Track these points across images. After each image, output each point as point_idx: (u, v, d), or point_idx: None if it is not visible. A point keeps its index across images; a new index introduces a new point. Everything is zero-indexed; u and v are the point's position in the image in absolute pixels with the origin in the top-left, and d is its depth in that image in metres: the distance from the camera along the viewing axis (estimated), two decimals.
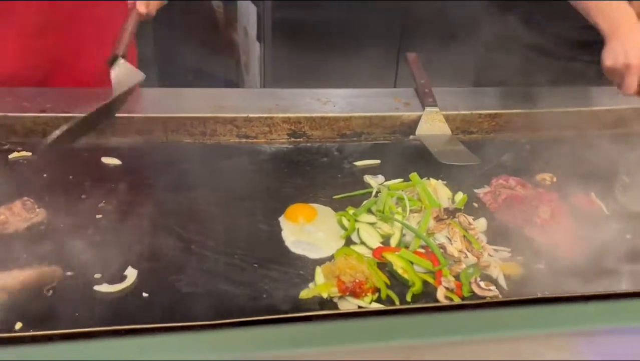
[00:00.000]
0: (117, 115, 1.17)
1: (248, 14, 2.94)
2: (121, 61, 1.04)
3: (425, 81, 1.36)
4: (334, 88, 1.40)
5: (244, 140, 1.22)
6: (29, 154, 1.07)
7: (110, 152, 1.10)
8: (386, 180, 1.06)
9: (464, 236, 0.86)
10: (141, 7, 1.09)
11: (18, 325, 0.69)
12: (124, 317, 0.73)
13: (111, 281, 0.78)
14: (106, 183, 1.00)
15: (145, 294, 0.76)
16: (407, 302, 0.77)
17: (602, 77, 1.48)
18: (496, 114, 1.30)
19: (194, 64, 3.37)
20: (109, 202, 0.95)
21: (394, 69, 2.77)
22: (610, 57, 1.10)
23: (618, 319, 0.51)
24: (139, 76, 1.07)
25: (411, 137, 1.26)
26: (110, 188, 0.99)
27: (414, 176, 1.00)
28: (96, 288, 0.76)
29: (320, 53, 2.84)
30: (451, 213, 0.90)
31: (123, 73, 1.04)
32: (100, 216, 0.91)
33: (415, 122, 1.26)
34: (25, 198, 0.90)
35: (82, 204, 0.94)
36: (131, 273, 0.79)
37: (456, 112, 1.29)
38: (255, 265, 0.83)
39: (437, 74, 1.69)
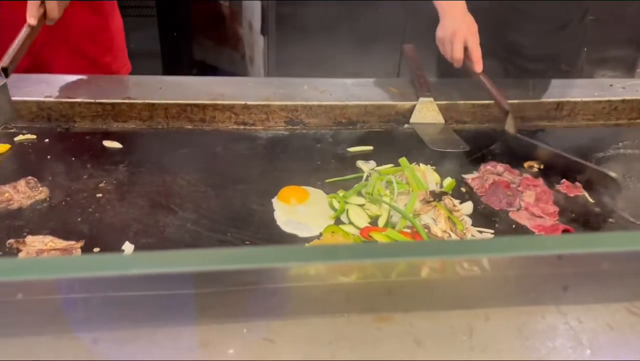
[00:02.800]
0: (119, 100, 1.22)
1: (253, 8, 2.97)
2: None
3: (421, 72, 1.39)
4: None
5: (242, 127, 1.26)
6: (34, 137, 1.11)
7: (111, 136, 1.14)
8: (378, 166, 1.10)
9: (449, 217, 0.89)
10: (30, 20, 1.13)
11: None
12: None
13: None
14: (107, 164, 1.04)
15: None
16: None
17: (593, 69, 1.51)
18: (489, 105, 1.32)
19: (198, 57, 3.41)
20: (109, 182, 0.99)
21: (397, 61, 2.80)
22: (441, 30, 1.30)
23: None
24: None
25: (405, 125, 1.29)
26: (111, 169, 1.03)
27: (403, 160, 1.03)
28: None
29: (324, 46, 2.87)
30: (437, 195, 0.93)
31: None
32: (100, 195, 0.95)
33: (409, 112, 1.29)
34: (29, 177, 0.94)
35: (83, 183, 0.98)
36: (128, 248, 0.83)
37: (450, 102, 1.32)
38: (247, 242, 0.86)
39: (441, 65, 1.72)
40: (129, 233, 0.87)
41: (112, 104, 1.22)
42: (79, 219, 0.89)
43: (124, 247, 0.84)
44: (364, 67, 2.79)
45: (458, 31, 1.25)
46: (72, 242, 0.82)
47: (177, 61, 3.12)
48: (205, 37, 3.42)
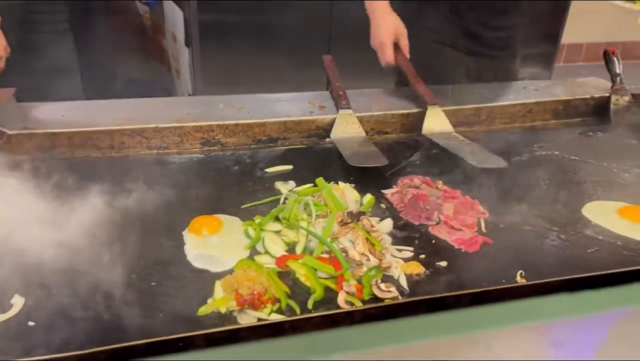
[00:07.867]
0: (15, 132, 1.12)
1: (175, 19, 2.87)
2: None
3: (340, 83, 1.37)
4: (252, 93, 1.39)
5: (154, 151, 1.19)
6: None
7: (6, 170, 1.04)
8: (298, 185, 1.06)
9: (367, 238, 0.87)
10: None
11: None
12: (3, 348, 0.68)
13: None
14: None
15: (31, 323, 0.72)
16: (309, 310, 0.77)
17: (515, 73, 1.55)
18: (409, 114, 1.32)
19: (122, 72, 3.26)
20: None
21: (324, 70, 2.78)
22: (372, 37, 1.43)
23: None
24: None
25: (327, 140, 1.26)
26: None
27: (319, 180, 1.00)
28: None
29: (251, 56, 2.81)
30: (355, 216, 0.91)
31: None
32: None
33: (330, 125, 1.26)
34: None
35: None
36: (18, 301, 0.75)
37: (370, 114, 1.30)
38: (154, 284, 0.80)
39: (368, 75, 1.70)
40: (19, 284, 0.78)
41: (9, 136, 1.12)
42: None
43: (13, 300, 0.75)
44: (292, 74, 2.76)
45: (384, 42, 1.39)
46: None
47: (98, 77, 2.96)
48: (128, 50, 3.28)
